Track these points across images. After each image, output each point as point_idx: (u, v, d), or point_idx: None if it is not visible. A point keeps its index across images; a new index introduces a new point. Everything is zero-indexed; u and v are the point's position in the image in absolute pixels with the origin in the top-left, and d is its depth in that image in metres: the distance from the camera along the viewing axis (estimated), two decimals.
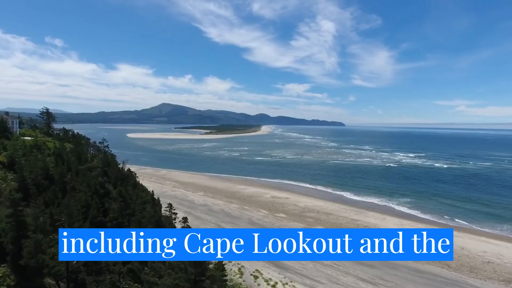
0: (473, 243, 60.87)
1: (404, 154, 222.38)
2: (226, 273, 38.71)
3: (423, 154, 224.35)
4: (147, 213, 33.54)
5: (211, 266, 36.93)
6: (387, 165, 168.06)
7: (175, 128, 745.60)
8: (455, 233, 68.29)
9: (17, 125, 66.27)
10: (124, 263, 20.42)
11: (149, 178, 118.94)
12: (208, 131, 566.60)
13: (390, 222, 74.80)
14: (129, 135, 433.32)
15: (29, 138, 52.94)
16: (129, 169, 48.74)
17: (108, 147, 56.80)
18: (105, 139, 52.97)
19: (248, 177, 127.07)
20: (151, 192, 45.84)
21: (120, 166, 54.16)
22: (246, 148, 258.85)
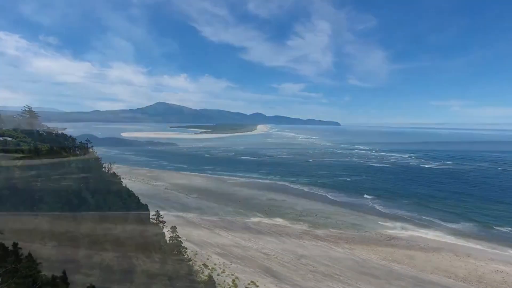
0: (479, 250, 58.18)
1: (400, 154, 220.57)
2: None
3: (420, 155, 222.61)
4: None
5: (202, 280, 33.55)
6: (383, 165, 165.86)
7: (170, 127, 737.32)
8: (459, 239, 65.36)
9: None
10: None
11: (141, 179, 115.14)
12: (203, 130, 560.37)
13: (390, 226, 72.18)
14: (123, 134, 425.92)
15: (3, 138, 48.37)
16: (114, 173, 44.98)
17: (93, 148, 52.67)
18: (88, 140, 48.75)
19: (243, 178, 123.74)
20: (137, 197, 42.06)
21: (106, 169, 50.06)
22: (241, 148, 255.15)
